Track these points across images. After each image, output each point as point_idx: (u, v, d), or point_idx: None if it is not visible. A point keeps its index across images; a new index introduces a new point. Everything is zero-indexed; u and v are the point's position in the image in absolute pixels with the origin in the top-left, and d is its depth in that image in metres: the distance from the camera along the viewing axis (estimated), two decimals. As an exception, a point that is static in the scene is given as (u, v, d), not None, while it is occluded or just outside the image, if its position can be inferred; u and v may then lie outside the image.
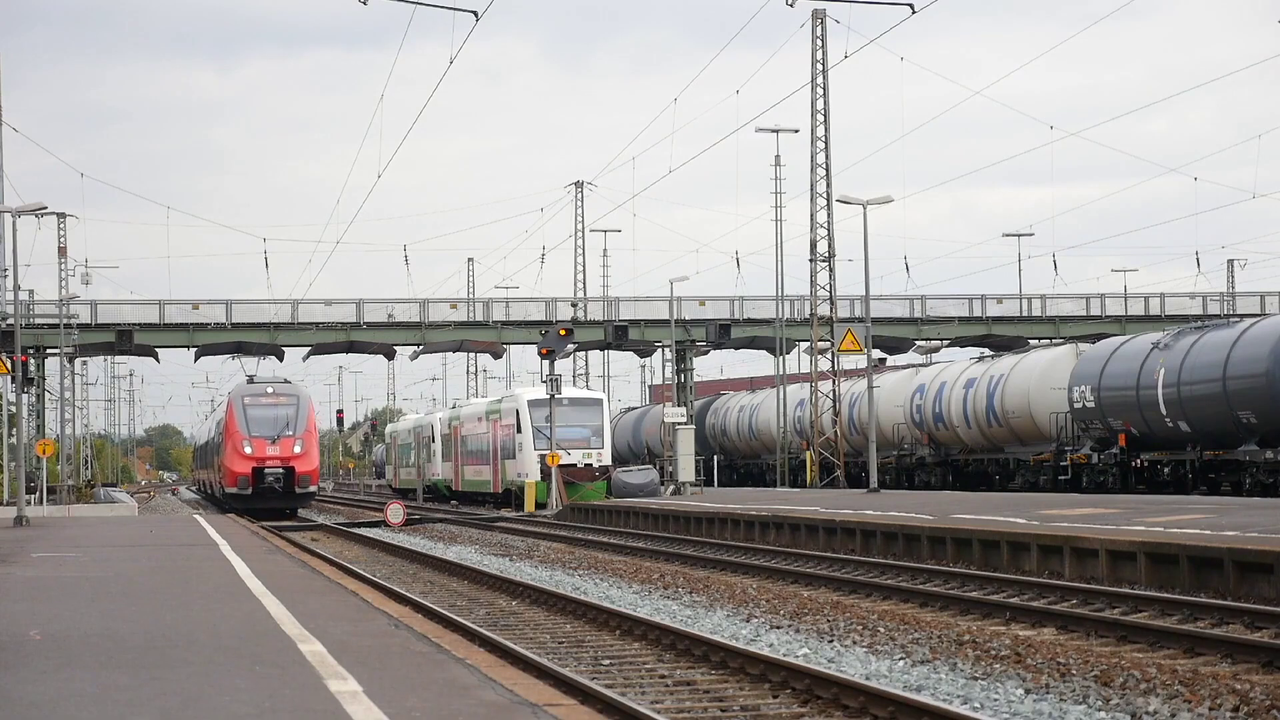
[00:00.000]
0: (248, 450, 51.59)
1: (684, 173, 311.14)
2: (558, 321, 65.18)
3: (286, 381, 56.20)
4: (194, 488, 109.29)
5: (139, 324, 69.06)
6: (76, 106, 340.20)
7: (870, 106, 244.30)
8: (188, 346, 70.61)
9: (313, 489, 53.45)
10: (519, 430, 55.08)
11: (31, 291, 74.33)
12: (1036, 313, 72.78)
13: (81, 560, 25.36)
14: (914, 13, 34.67)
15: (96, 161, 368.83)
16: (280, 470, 51.46)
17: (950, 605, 19.30)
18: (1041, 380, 46.52)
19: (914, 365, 64.13)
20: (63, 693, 10.72)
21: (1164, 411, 38.63)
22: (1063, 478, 44.16)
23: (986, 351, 65.45)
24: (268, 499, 51.66)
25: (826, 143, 55.02)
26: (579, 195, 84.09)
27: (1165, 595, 18.16)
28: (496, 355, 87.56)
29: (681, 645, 15.45)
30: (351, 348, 73.27)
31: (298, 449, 51.85)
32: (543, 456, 52.09)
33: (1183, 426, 38.20)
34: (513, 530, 41.41)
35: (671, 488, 51.70)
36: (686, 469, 52.08)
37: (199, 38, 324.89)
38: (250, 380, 55.50)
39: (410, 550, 32.58)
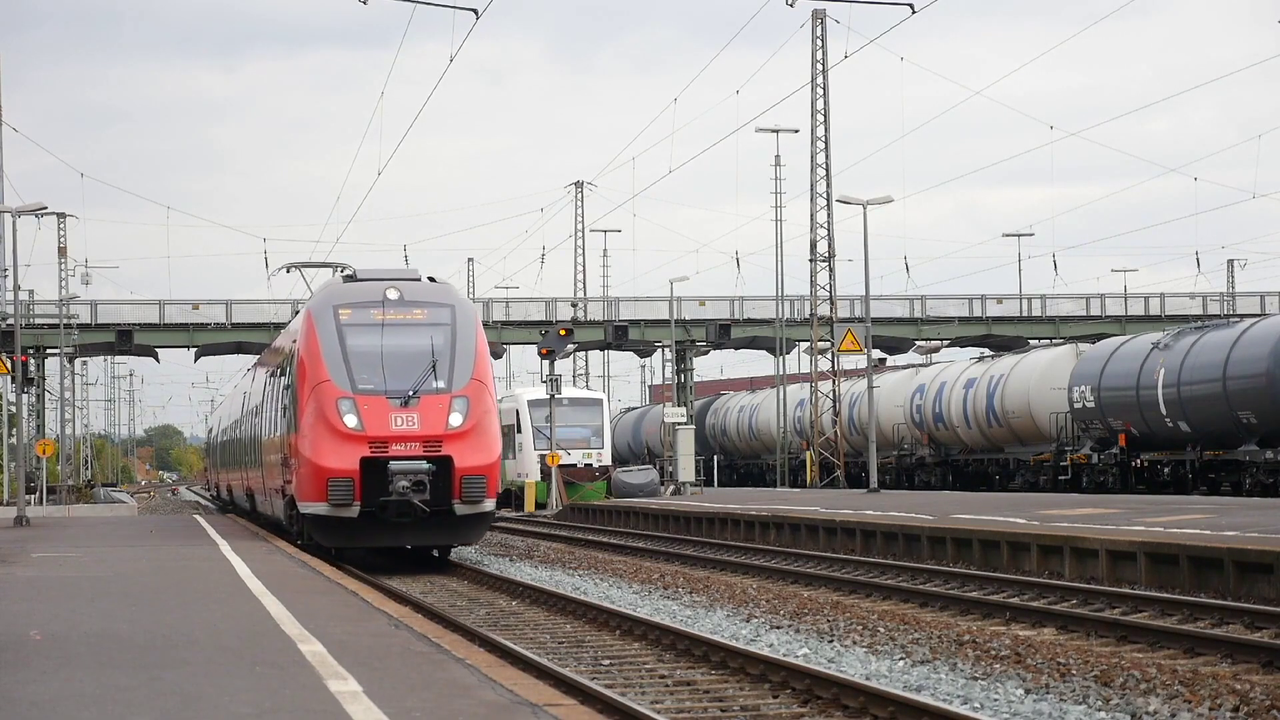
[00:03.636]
0: (350, 423, 24.72)
1: (684, 173, 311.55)
2: (558, 321, 65.21)
3: (430, 279, 27.27)
4: (211, 493, 72.19)
5: (139, 324, 69.14)
6: (76, 106, 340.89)
7: (870, 106, 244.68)
8: (188, 346, 70.69)
9: (489, 505, 25.49)
10: (519, 430, 55.03)
11: (31, 291, 74.44)
12: (1036, 313, 72.84)
13: (81, 560, 25.35)
14: (914, 13, 34.65)
15: (96, 161, 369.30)
16: (422, 465, 24.65)
17: (950, 605, 19.30)
18: (1041, 380, 46.54)
19: (914, 365, 64.15)
20: (63, 693, 10.72)
21: (1164, 411, 38.64)
22: (1063, 478, 44.17)
23: (986, 351, 65.50)
24: (395, 528, 25.06)
25: (826, 143, 55.05)
26: (579, 195, 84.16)
27: (1165, 595, 18.15)
28: (496, 355, 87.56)
29: (681, 645, 15.44)
30: (352, 347, 72.98)
31: (457, 419, 25.00)
32: (543, 456, 52.06)
33: (1183, 426, 38.20)
34: (513, 530, 41.38)
35: (671, 488, 51.68)
36: (686, 469, 52.09)
37: (201, 38, 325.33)
38: (350, 277, 27.11)
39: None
